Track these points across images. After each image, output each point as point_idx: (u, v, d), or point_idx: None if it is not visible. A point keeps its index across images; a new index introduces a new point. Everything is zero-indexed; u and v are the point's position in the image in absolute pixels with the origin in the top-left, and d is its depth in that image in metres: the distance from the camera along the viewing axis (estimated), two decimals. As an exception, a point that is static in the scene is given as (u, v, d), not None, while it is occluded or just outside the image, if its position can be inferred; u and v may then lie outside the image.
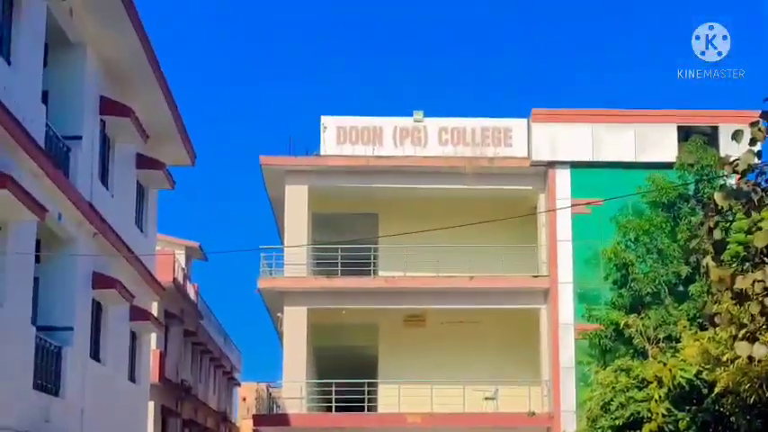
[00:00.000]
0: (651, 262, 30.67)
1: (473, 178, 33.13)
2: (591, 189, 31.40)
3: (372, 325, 35.56)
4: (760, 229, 12.38)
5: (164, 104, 23.78)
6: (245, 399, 74.17)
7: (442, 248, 32.05)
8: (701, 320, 25.18)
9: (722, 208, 12.76)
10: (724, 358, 17.06)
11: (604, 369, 25.99)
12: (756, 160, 12.47)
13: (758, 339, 13.12)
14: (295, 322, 32.56)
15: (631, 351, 28.79)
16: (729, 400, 17.96)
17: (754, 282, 12.24)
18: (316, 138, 33.99)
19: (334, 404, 32.81)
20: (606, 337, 30.35)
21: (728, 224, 13.29)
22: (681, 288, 30.05)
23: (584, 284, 31.93)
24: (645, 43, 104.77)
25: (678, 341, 25.40)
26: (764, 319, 12.70)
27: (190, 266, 44.22)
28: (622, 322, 29.16)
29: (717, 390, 18.32)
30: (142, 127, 22.84)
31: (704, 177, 30.25)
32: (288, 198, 33.36)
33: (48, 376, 17.70)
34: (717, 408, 20.61)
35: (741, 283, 12.38)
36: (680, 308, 29.18)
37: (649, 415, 22.54)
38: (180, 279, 38.85)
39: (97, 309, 21.26)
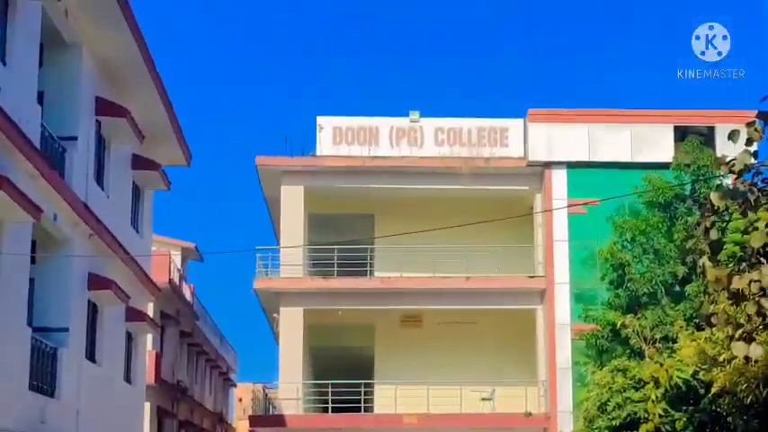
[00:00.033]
0: (648, 262, 30.66)
1: (469, 178, 33.12)
2: (587, 189, 31.40)
3: (369, 325, 35.55)
4: (756, 229, 12.36)
5: (159, 105, 23.75)
6: (241, 399, 74.24)
7: (438, 249, 32.06)
8: (697, 321, 25.18)
9: (719, 208, 12.73)
10: (721, 358, 17.04)
11: (601, 369, 25.96)
12: (753, 160, 12.44)
13: (755, 339, 13.09)
14: (291, 323, 32.53)
15: (628, 351, 28.78)
16: (726, 401, 17.92)
17: (750, 282, 12.21)
18: (312, 138, 34.05)
19: (330, 405, 32.81)
20: (603, 337, 30.33)
21: (725, 224, 13.27)
22: (677, 288, 30.05)
23: (581, 285, 31.94)
24: (645, 43, 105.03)
25: (675, 341, 25.37)
26: (761, 319, 12.68)
27: (186, 267, 44.18)
28: (619, 322, 29.15)
29: (714, 390, 18.28)
30: (138, 127, 22.82)
31: (701, 177, 30.26)
32: (284, 198, 33.34)
33: (43, 377, 17.67)
34: (714, 408, 20.57)
35: (738, 283, 12.36)
36: (676, 308, 29.17)
37: (646, 415, 22.50)
38: (176, 280, 38.80)
39: (93, 310, 21.23)
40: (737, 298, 12.69)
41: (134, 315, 24.03)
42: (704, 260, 13.03)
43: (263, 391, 41.07)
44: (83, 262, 19.79)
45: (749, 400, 15.82)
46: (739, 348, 13.13)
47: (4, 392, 15.49)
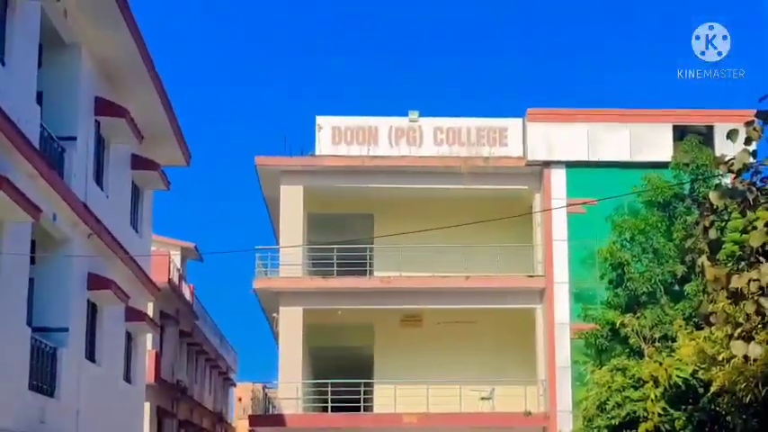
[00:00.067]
0: (647, 261, 30.67)
1: (468, 178, 33.11)
2: (586, 189, 31.41)
3: (368, 325, 35.55)
4: (755, 228, 12.39)
5: (158, 105, 23.75)
6: (240, 399, 74.22)
7: (437, 248, 32.06)
8: (696, 320, 25.20)
9: (717, 207, 12.76)
10: (720, 357, 17.08)
11: (600, 369, 26.00)
12: (751, 159, 12.47)
13: (754, 338, 13.12)
14: (291, 323, 32.52)
15: (627, 350, 28.80)
16: (725, 400, 17.96)
17: (749, 281, 12.24)
18: (311, 138, 34.01)
19: (330, 404, 32.78)
20: (602, 336, 30.34)
21: (724, 223, 13.30)
22: (676, 287, 30.06)
23: (580, 284, 31.94)
24: (645, 43, 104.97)
25: (674, 340, 25.41)
26: (760, 318, 12.71)
27: (185, 267, 44.19)
28: (618, 322, 29.18)
29: (713, 389, 18.32)
30: (137, 127, 22.81)
31: (699, 177, 30.28)
32: (283, 198, 33.33)
33: (43, 377, 17.67)
34: (713, 407, 20.62)
35: (736, 282, 12.39)
36: (676, 307, 29.20)
37: (645, 414, 22.54)
38: (175, 280, 38.81)
39: (92, 310, 21.23)
40: (736, 297, 12.72)
41: (134, 315, 24.03)
42: (703, 259, 13.07)
43: (263, 390, 41.07)
44: (82, 262, 19.79)
45: (748, 398, 15.85)
46: (738, 347, 13.16)
47: (4, 392, 15.49)
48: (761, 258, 12.48)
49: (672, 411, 22.20)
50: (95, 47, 20.34)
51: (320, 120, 34.07)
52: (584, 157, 32.72)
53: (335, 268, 33.18)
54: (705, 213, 13.00)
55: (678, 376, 22.11)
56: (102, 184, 21.90)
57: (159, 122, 24.58)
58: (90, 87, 20.52)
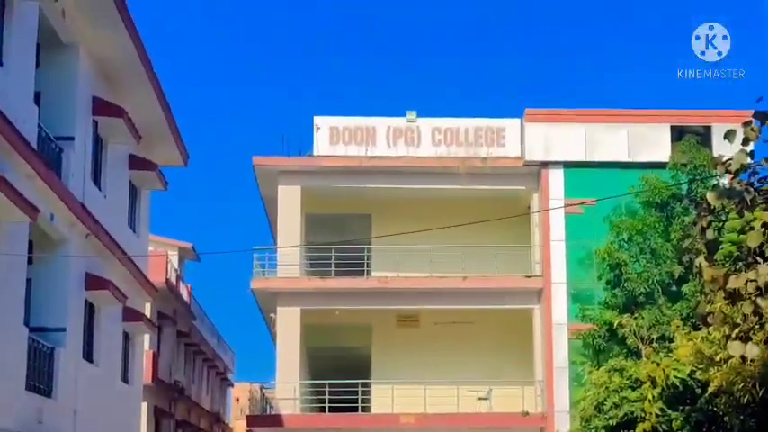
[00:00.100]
0: (644, 262, 30.70)
1: (466, 178, 33.12)
2: (584, 189, 31.43)
3: (366, 325, 35.55)
4: (753, 228, 12.39)
5: (156, 105, 23.75)
6: (238, 399, 74.19)
7: (435, 249, 32.09)
8: (694, 320, 25.18)
9: (715, 208, 12.76)
10: (717, 358, 17.07)
11: (598, 369, 25.97)
12: (749, 160, 12.47)
13: (751, 339, 13.12)
14: (288, 323, 32.53)
15: (625, 351, 28.80)
16: (723, 400, 17.95)
17: (746, 281, 12.24)
18: (309, 138, 34.02)
19: (327, 405, 32.81)
20: (599, 336, 30.36)
21: (721, 224, 13.30)
22: (674, 288, 30.09)
23: (578, 284, 31.96)
24: (645, 43, 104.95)
25: (671, 341, 25.41)
26: (757, 318, 12.71)
27: (183, 267, 44.18)
28: (616, 322, 29.18)
29: (710, 389, 18.31)
30: (135, 127, 22.81)
31: (697, 177, 30.31)
32: (281, 198, 33.34)
33: (40, 377, 17.67)
34: (710, 407, 20.61)
35: (734, 282, 12.39)
36: (673, 308, 29.22)
37: (643, 415, 22.52)
38: (173, 280, 38.79)
39: (90, 310, 21.23)
40: (734, 297, 12.72)
41: (131, 315, 24.03)
42: (701, 260, 13.07)
43: (261, 390, 41.03)
44: (80, 262, 19.78)
45: (746, 399, 15.85)
46: (736, 348, 13.16)
47: (2, 393, 15.48)
48: (758, 259, 12.49)
49: (669, 412, 22.18)
50: (93, 47, 20.34)
51: (318, 120, 34.07)
52: (581, 158, 32.73)
53: (333, 268, 33.19)
54: (703, 214, 12.99)
55: (676, 377, 22.09)
56: (100, 185, 21.89)
57: (157, 122, 24.58)
58: (88, 87, 20.52)
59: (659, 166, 31.65)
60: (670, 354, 23.59)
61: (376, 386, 34.03)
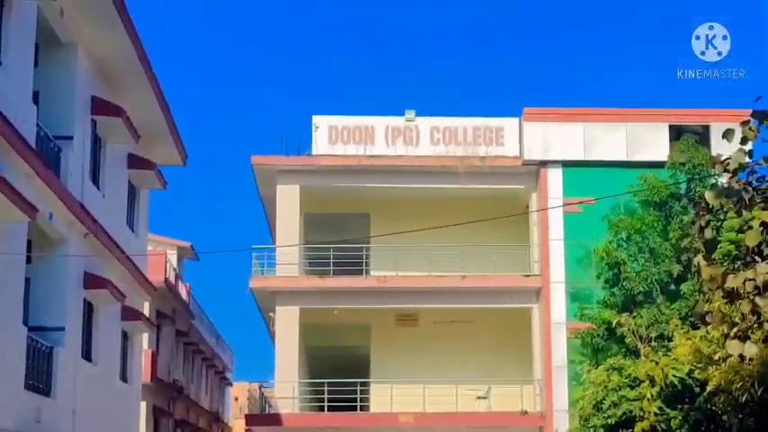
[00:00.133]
0: (643, 261, 30.70)
1: (465, 178, 33.13)
2: (583, 188, 31.44)
3: (364, 324, 35.56)
4: (751, 227, 12.40)
5: (155, 104, 23.74)
6: (237, 399, 74.14)
7: (433, 248, 32.10)
8: (692, 319, 25.19)
9: (713, 207, 12.77)
10: (716, 357, 17.08)
11: (596, 368, 26.00)
12: (747, 159, 12.49)
13: (749, 338, 13.13)
14: (287, 322, 32.53)
15: (623, 350, 28.82)
16: (721, 399, 17.96)
17: (745, 280, 12.25)
18: (307, 137, 34.01)
19: (326, 404, 32.80)
20: (598, 336, 30.38)
21: (720, 223, 13.32)
22: (673, 287, 30.10)
23: (576, 283, 31.97)
24: (645, 43, 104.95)
25: (670, 340, 25.44)
26: (755, 317, 12.71)
27: (181, 266, 44.17)
28: (614, 321, 29.19)
29: (709, 388, 18.34)
30: (133, 127, 22.80)
31: (696, 176, 30.32)
32: (280, 198, 33.34)
33: (39, 377, 17.66)
34: (709, 406, 20.63)
35: (732, 281, 12.40)
36: (672, 307, 29.23)
37: (641, 414, 22.56)
38: (171, 279, 38.78)
39: (89, 309, 21.22)
40: (732, 296, 12.73)
41: (130, 314, 24.02)
42: (699, 259, 13.08)
43: (260, 390, 40.99)
44: (78, 261, 19.78)
45: (744, 398, 15.85)
46: (734, 347, 13.17)
47: (1, 392, 15.47)
48: (756, 258, 12.49)
49: (668, 411, 22.22)
50: (92, 46, 20.33)
51: (317, 119, 34.06)
52: (580, 157, 32.74)
53: (332, 268, 33.20)
54: (701, 213, 13.01)
55: (674, 375, 22.14)
56: (99, 184, 21.88)
57: (156, 122, 24.57)
58: (86, 86, 20.51)
59: (658, 165, 31.66)
60: (669, 353, 23.62)
61: (375, 385, 34.03)
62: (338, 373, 33.67)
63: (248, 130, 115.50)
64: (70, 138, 19.44)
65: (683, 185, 30.72)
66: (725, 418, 19.01)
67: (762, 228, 12.26)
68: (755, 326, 13.06)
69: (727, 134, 12.42)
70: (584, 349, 30.98)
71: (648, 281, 30.08)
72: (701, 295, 16.22)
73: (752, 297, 12.31)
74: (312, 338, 34.77)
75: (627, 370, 23.77)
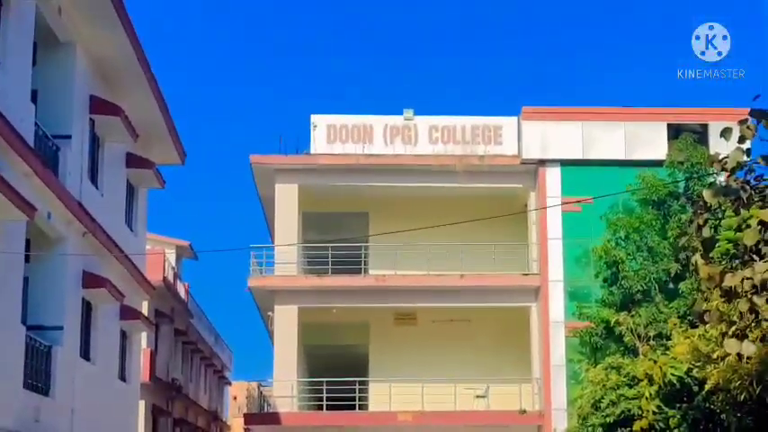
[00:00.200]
0: (641, 259, 30.72)
1: (463, 176, 33.12)
2: (581, 187, 31.44)
3: (363, 323, 35.55)
4: (749, 226, 12.40)
5: (154, 103, 23.74)
6: (235, 397, 74.21)
7: (432, 247, 32.09)
8: (691, 318, 25.25)
9: (711, 205, 12.77)
10: (714, 356, 17.10)
11: (595, 367, 26.05)
12: (745, 158, 12.49)
13: (747, 337, 13.14)
14: (286, 321, 32.53)
15: (622, 349, 28.85)
16: (720, 398, 18.00)
17: (743, 279, 12.25)
18: (306, 136, 33.99)
19: (325, 403, 32.79)
20: (597, 334, 30.39)
21: (718, 222, 13.33)
22: (671, 285, 30.12)
23: (575, 282, 31.98)
24: (645, 43, 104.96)
25: (668, 339, 25.47)
26: (753, 316, 12.72)
27: (180, 265, 44.18)
28: (613, 320, 29.23)
29: (707, 387, 18.35)
30: (132, 126, 22.80)
31: (694, 175, 30.33)
32: (278, 197, 33.33)
33: (38, 376, 17.66)
34: (707, 405, 20.67)
35: (730, 280, 12.40)
36: (670, 305, 29.24)
37: (640, 412, 22.59)
38: (170, 278, 38.80)
39: (87, 308, 21.22)
40: (730, 295, 12.73)
41: (128, 313, 24.02)
42: (697, 257, 13.08)
43: (258, 389, 41.05)
44: (77, 260, 19.78)
45: (742, 397, 15.87)
46: (732, 345, 13.17)
47: (1, 391, 15.48)
48: (754, 257, 12.50)
49: (666, 409, 22.25)
50: (90, 45, 20.33)
51: (315, 118, 34.04)
52: (578, 156, 32.74)
53: (330, 267, 33.18)
54: (699, 211, 13.01)
55: (672, 374, 22.17)
56: (97, 183, 21.88)
57: (154, 121, 24.57)
58: (85, 86, 20.51)
59: (656, 164, 31.66)
60: (667, 351, 23.65)
61: (373, 384, 34.03)
62: (337, 371, 33.67)
63: (247, 129, 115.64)
64: (68, 137, 19.44)
65: (682, 184, 30.73)
66: (723, 416, 19.06)
67: (760, 226, 12.26)
68: (753, 324, 13.07)
69: (725, 133, 12.42)
70: (582, 348, 30.99)
71: (647, 279, 30.09)
72: (700, 294, 16.22)
73: (750, 296, 12.31)
74: (311, 337, 34.77)
75: (625, 369, 23.81)
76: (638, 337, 28.34)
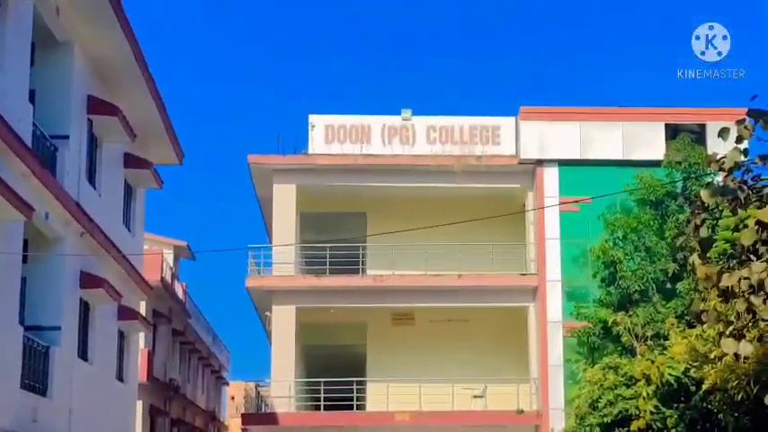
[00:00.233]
0: (639, 259, 30.72)
1: (461, 177, 33.13)
2: (579, 187, 31.47)
3: (361, 323, 35.55)
4: (746, 226, 12.41)
5: (151, 104, 23.73)
6: (233, 398, 74.12)
7: (430, 247, 32.09)
8: (688, 318, 25.24)
9: (709, 205, 12.78)
10: (711, 355, 17.10)
11: (593, 367, 26.03)
12: (743, 158, 12.49)
13: (744, 336, 13.14)
14: (283, 321, 32.52)
15: (619, 349, 28.85)
16: (717, 398, 17.99)
17: (740, 279, 12.26)
18: (304, 136, 33.99)
19: (322, 403, 32.78)
20: (594, 334, 30.39)
21: (715, 222, 13.34)
22: (668, 285, 30.12)
23: (573, 282, 32.00)
24: (645, 43, 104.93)
25: (666, 339, 25.46)
26: (751, 316, 12.72)
27: (178, 266, 44.15)
28: (610, 320, 29.23)
29: (704, 387, 18.35)
30: (130, 126, 22.78)
31: (692, 175, 30.33)
32: (276, 197, 33.32)
33: (35, 376, 17.66)
34: (704, 405, 20.66)
35: (727, 280, 12.41)
36: (668, 305, 29.24)
37: (637, 412, 22.58)
38: (168, 278, 38.78)
39: (85, 308, 21.22)
40: (727, 295, 12.74)
41: (126, 313, 24.01)
42: (694, 257, 13.09)
43: (256, 389, 41.05)
44: (75, 260, 19.77)
45: (740, 397, 15.86)
46: (729, 345, 13.18)
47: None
48: (752, 257, 12.50)
49: (664, 409, 22.24)
50: (88, 45, 20.32)
51: (313, 118, 34.04)
52: (576, 156, 32.77)
53: (328, 267, 33.19)
54: (697, 211, 13.02)
55: (670, 374, 22.16)
56: (95, 183, 21.88)
57: (152, 121, 24.56)
58: (83, 86, 20.50)
59: (654, 164, 31.67)
60: (664, 351, 23.64)
61: (371, 384, 34.04)
62: (334, 372, 33.66)
63: (245, 129, 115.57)
64: (66, 137, 19.43)
65: (680, 184, 30.74)
66: (720, 416, 19.04)
67: (757, 226, 12.27)
68: (750, 324, 13.07)
69: (723, 133, 12.42)
70: (580, 348, 31.00)
71: (644, 279, 30.10)
72: (697, 294, 16.23)
73: (747, 296, 12.32)
74: (308, 337, 34.77)
75: (623, 369, 23.80)
76: (636, 336, 28.34)
